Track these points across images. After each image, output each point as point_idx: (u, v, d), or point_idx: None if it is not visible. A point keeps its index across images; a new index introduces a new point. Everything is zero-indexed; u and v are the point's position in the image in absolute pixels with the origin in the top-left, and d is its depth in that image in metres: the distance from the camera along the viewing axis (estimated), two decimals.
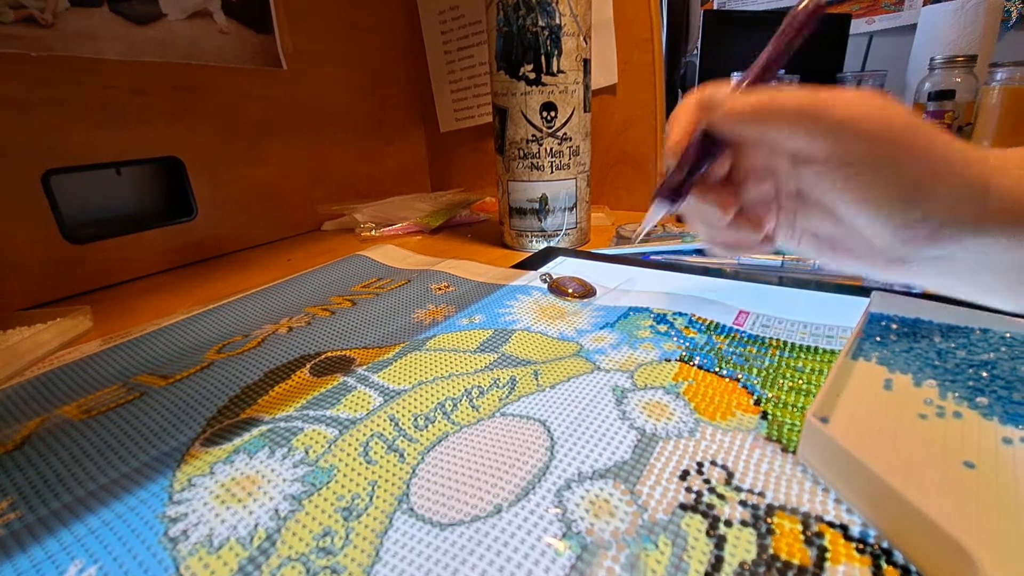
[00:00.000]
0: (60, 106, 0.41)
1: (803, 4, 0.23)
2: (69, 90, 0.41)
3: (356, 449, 0.20)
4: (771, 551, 0.15)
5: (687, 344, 0.27)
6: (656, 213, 0.26)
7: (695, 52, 1.23)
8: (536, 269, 0.41)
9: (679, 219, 0.57)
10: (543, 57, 0.42)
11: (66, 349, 0.33)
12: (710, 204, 0.25)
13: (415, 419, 0.22)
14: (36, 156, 0.40)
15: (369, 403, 0.23)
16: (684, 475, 0.18)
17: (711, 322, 0.30)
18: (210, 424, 0.23)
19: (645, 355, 0.26)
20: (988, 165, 0.20)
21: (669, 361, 0.26)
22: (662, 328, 0.29)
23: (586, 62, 0.45)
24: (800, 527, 0.16)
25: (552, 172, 0.45)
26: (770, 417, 0.21)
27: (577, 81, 0.44)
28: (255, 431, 0.22)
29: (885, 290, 0.31)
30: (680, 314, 0.31)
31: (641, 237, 0.28)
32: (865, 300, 0.29)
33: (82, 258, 0.44)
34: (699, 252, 0.43)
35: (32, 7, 0.39)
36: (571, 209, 0.47)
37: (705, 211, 0.25)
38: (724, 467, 0.18)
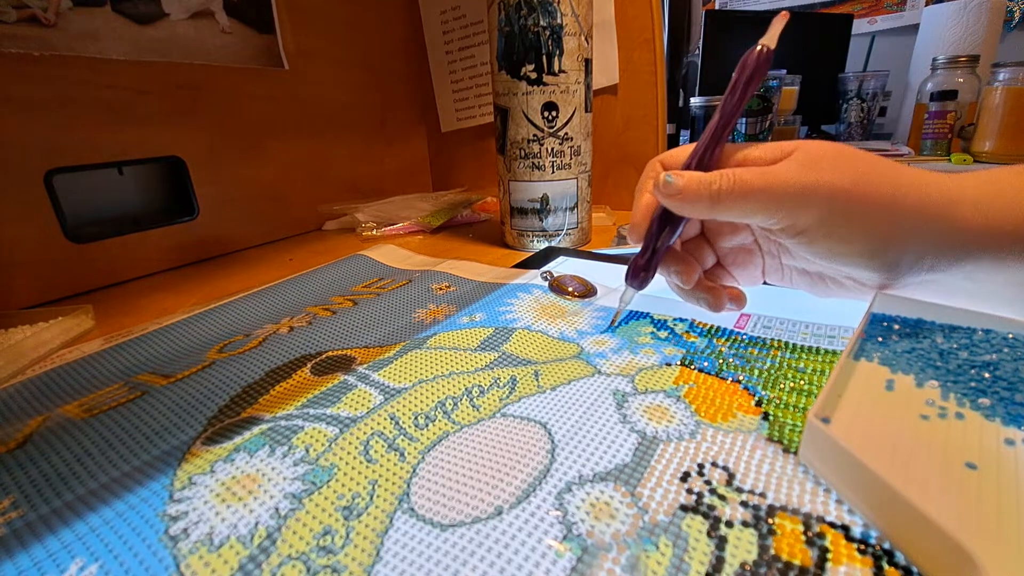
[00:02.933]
0: (62, 106, 0.41)
1: (751, 53, 0.23)
2: (72, 90, 0.42)
3: (357, 448, 0.20)
4: (772, 552, 0.15)
5: (688, 348, 0.27)
6: (628, 295, 0.28)
7: (696, 52, 1.22)
8: (537, 268, 0.41)
9: None
10: (544, 57, 0.42)
11: (68, 348, 0.33)
12: (673, 276, 0.26)
13: (416, 418, 0.22)
14: (38, 155, 0.41)
15: (370, 401, 0.23)
16: (685, 477, 0.18)
17: (712, 326, 0.30)
18: (211, 423, 0.23)
19: (646, 359, 0.26)
20: (951, 197, 0.21)
21: (670, 365, 0.26)
22: (663, 334, 0.29)
23: (587, 62, 0.44)
24: (801, 528, 0.16)
25: (553, 172, 0.45)
26: (771, 418, 0.21)
27: (578, 81, 0.44)
28: (256, 430, 0.22)
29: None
30: (681, 319, 0.31)
31: (617, 322, 0.30)
32: (867, 301, 0.29)
33: (84, 257, 0.44)
34: None
35: (35, 7, 0.39)
36: (572, 209, 0.47)
37: (671, 279, 0.27)
38: (725, 468, 0.18)
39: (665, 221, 0.25)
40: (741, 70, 0.23)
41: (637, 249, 0.27)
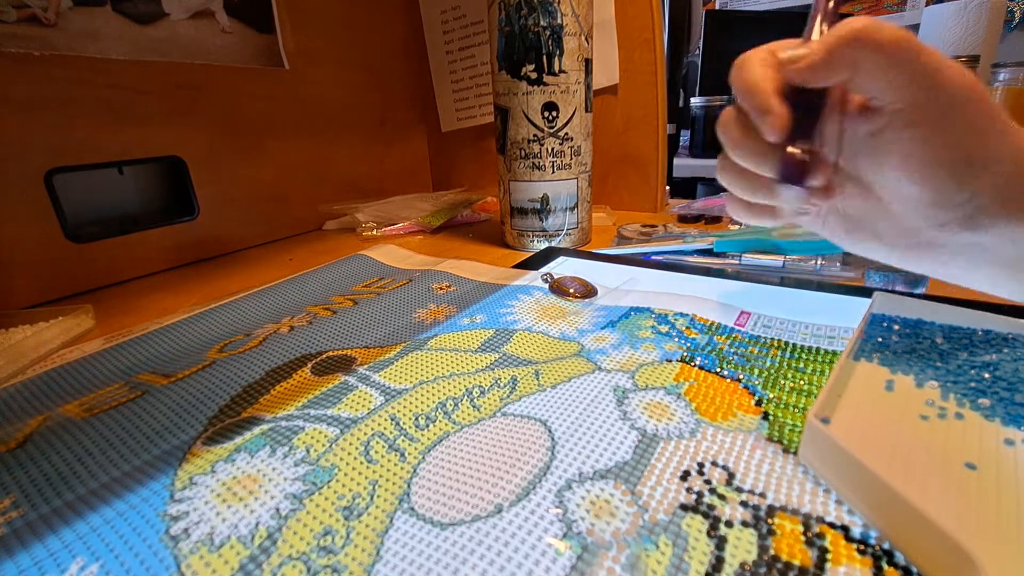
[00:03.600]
0: (63, 105, 0.41)
1: None
2: (72, 89, 0.42)
3: (357, 448, 0.20)
4: (772, 552, 0.15)
5: (688, 344, 0.27)
6: (790, 198, 0.23)
7: (697, 52, 1.22)
8: (537, 269, 0.41)
9: (682, 219, 0.57)
10: (545, 57, 0.42)
11: (68, 348, 0.33)
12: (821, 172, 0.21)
13: (416, 418, 0.22)
14: (39, 155, 0.41)
15: (370, 402, 0.23)
16: (685, 475, 0.18)
17: (712, 322, 0.30)
18: (211, 423, 0.23)
19: (646, 355, 0.26)
20: None
21: (670, 361, 0.26)
22: (663, 328, 0.29)
23: (588, 62, 0.44)
24: (801, 528, 0.16)
25: (553, 172, 0.45)
26: (771, 418, 0.21)
27: (579, 81, 0.44)
28: (256, 430, 0.22)
29: (887, 291, 0.31)
30: (681, 314, 0.31)
31: (791, 230, 0.25)
32: (866, 301, 0.29)
33: (84, 257, 0.44)
34: (700, 252, 0.43)
35: (35, 6, 0.39)
36: (572, 209, 0.47)
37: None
38: (725, 468, 0.18)
39: (803, 104, 0.21)
40: None
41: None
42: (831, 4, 0.21)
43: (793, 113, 0.20)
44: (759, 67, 0.21)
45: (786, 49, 0.20)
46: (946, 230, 0.21)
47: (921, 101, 0.19)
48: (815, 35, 0.21)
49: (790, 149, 0.21)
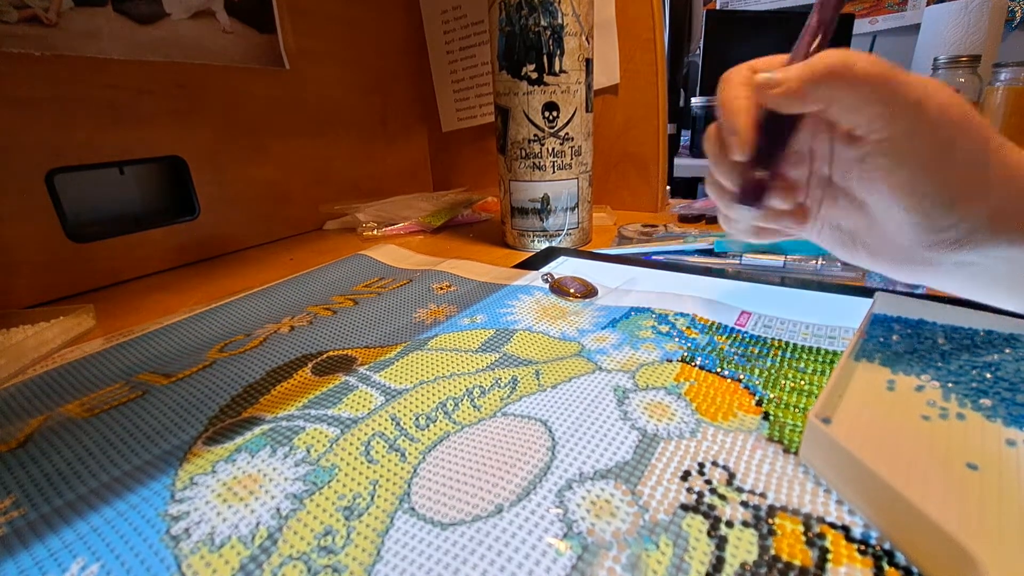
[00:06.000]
0: (64, 105, 0.41)
1: None
2: (73, 89, 0.42)
3: (357, 448, 0.20)
4: (772, 552, 0.15)
5: (689, 344, 0.27)
6: (742, 218, 0.24)
7: (697, 52, 1.22)
8: (538, 269, 0.41)
9: (682, 219, 0.57)
10: (545, 57, 0.42)
11: (69, 347, 0.33)
12: (777, 194, 0.22)
13: (416, 418, 0.22)
14: (40, 155, 0.41)
15: (371, 402, 0.23)
16: (685, 476, 0.18)
17: (713, 323, 0.30)
18: (212, 423, 0.23)
19: (647, 355, 0.26)
20: None
21: (671, 361, 0.26)
22: (664, 328, 0.29)
23: (588, 62, 0.44)
24: (802, 528, 0.16)
25: (554, 172, 0.45)
26: (772, 418, 0.21)
27: (579, 81, 0.44)
28: (257, 430, 0.22)
29: (888, 291, 0.31)
30: (682, 314, 0.31)
31: (743, 249, 0.26)
32: (867, 301, 0.29)
33: (85, 257, 0.44)
34: (700, 252, 0.43)
35: (36, 6, 0.39)
36: (573, 209, 0.47)
37: (775, 198, 0.22)
38: (725, 468, 0.18)
39: (773, 128, 0.21)
40: None
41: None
42: (818, 27, 0.21)
43: (764, 135, 0.21)
44: (737, 85, 0.21)
45: (765, 71, 0.20)
46: (937, 250, 0.21)
47: (902, 134, 0.19)
48: (802, 55, 0.21)
49: (757, 172, 0.21)
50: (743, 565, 0.15)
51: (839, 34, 1.17)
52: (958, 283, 0.22)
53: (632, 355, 0.27)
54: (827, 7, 0.21)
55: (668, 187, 0.66)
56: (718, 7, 1.51)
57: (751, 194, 0.22)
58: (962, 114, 0.19)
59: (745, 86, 0.21)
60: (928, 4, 1.18)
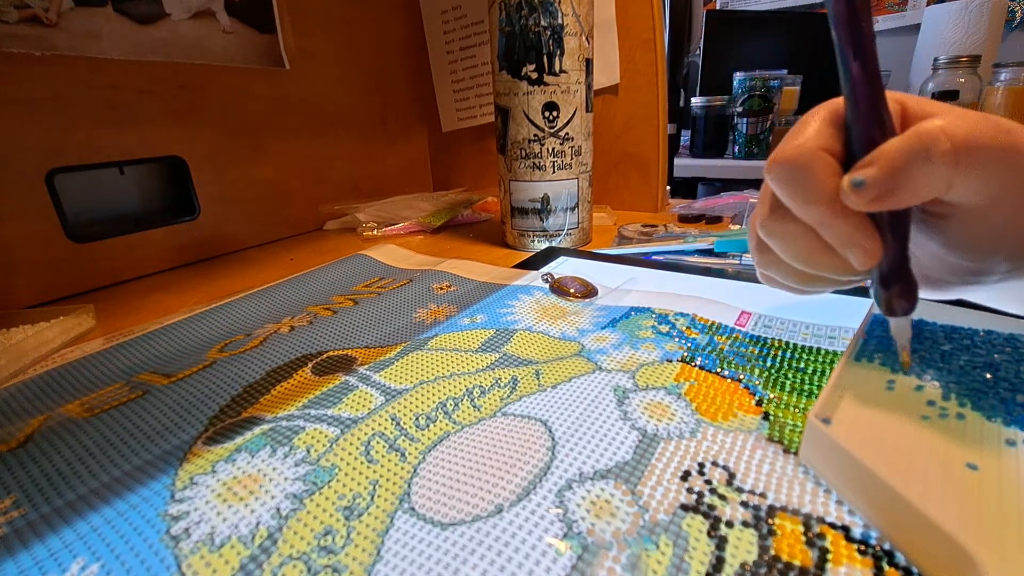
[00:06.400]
0: (64, 105, 0.41)
1: None
2: (73, 89, 0.42)
3: (357, 448, 0.20)
4: (772, 552, 0.15)
5: (689, 344, 0.27)
6: (905, 329, 0.21)
7: (697, 52, 1.22)
8: (538, 269, 0.41)
9: (682, 219, 0.57)
10: (545, 57, 0.42)
11: (69, 347, 0.33)
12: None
13: (416, 418, 0.22)
14: (40, 155, 0.41)
15: (371, 402, 0.23)
16: (685, 476, 0.18)
17: (713, 322, 0.30)
18: (212, 423, 0.23)
19: (647, 355, 0.26)
20: None
21: (671, 361, 0.26)
22: (664, 328, 0.29)
23: (588, 62, 0.44)
24: (802, 528, 0.16)
25: (554, 172, 0.45)
26: (772, 418, 0.21)
27: (579, 81, 0.44)
28: (257, 430, 0.22)
29: None
30: (682, 314, 0.31)
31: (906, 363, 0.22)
32: (868, 301, 0.29)
33: (85, 257, 0.44)
34: (700, 252, 0.43)
35: (36, 7, 0.39)
36: (573, 209, 0.47)
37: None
38: (725, 468, 0.18)
39: (897, 223, 0.17)
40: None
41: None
42: (867, 74, 0.16)
43: (893, 234, 0.17)
44: (825, 177, 0.16)
45: (852, 178, 0.16)
46: (973, 283, 0.19)
47: (1003, 192, 0.16)
48: (870, 121, 0.16)
49: (889, 293, 0.18)
50: (743, 565, 0.15)
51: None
52: (980, 299, 0.22)
53: (632, 355, 0.27)
54: (854, 32, 0.16)
55: (668, 187, 0.66)
56: (718, 7, 1.51)
57: (897, 299, 0.18)
58: None
59: (830, 176, 0.17)
60: (928, 4, 1.19)
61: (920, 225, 0.19)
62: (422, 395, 0.24)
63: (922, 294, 0.21)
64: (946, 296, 0.22)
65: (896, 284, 0.18)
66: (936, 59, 0.91)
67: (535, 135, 0.44)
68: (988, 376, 0.22)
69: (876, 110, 0.16)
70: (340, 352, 0.29)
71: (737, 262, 0.41)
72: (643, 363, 0.26)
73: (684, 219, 0.56)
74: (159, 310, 0.39)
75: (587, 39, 0.43)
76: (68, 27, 0.41)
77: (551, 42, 0.42)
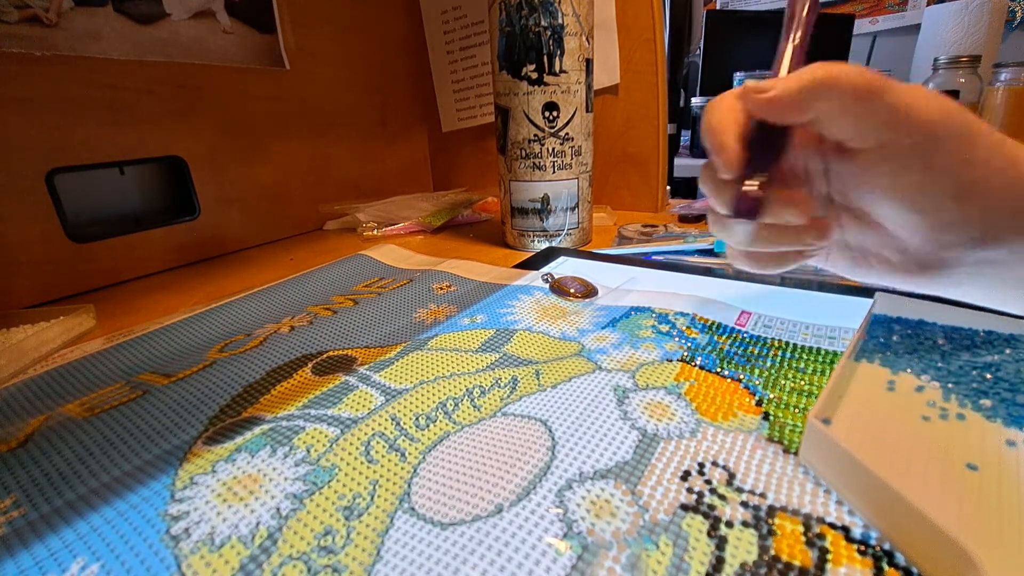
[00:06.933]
0: (64, 105, 0.41)
1: None
2: (73, 89, 0.42)
3: (357, 448, 0.20)
4: (772, 552, 0.15)
5: (689, 344, 0.27)
6: (740, 233, 0.23)
7: (697, 52, 1.22)
8: (538, 269, 0.41)
9: (682, 219, 0.57)
10: (545, 57, 0.42)
11: (69, 347, 0.33)
12: (787, 209, 0.21)
13: (416, 418, 0.22)
14: (40, 155, 0.41)
15: (371, 402, 0.23)
16: (685, 476, 0.18)
17: (713, 322, 0.30)
18: (212, 423, 0.23)
19: (647, 355, 0.26)
20: None
21: (671, 361, 0.26)
22: (664, 328, 0.29)
23: (588, 62, 0.44)
24: (801, 528, 0.16)
25: (554, 172, 0.45)
26: (772, 418, 0.21)
27: (579, 81, 0.44)
28: (257, 430, 0.22)
29: (888, 291, 0.31)
30: (682, 314, 0.31)
31: (742, 267, 0.25)
32: (868, 301, 0.29)
33: (85, 257, 0.44)
34: (700, 252, 0.43)
35: (37, 7, 0.39)
36: (573, 209, 0.47)
37: (787, 213, 0.22)
38: (725, 468, 0.18)
39: (763, 139, 0.20)
40: None
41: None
42: (799, 32, 0.21)
43: (754, 151, 0.20)
44: (722, 111, 0.21)
45: (751, 81, 0.20)
46: (957, 249, 0.20)
47: (893, 141, 0.19)
48: (783, 69, 0.21)
49: (745, 185, 0.20)
50: (743, 565, 0.15)
51: (839, 36, 1.18)
52: (979, 289, 0.22)
53: (632, 355, 0.27)
54: (801, 18, 0.21)
55: (668, 187, 0.66)
56: (718, 7, 1.51)
57: (745, 208, 0.21)
58: (951, 117, 0.19)
59: (731, 102, 0.21)
60: (928, 4, 1.19)
61: (867, 189, 0.21)
62: (422, 395, 0.24)
63: (931, 286, 0.22)
64: (957, 283, 0.22)
65: (748, 192, 0.21)
66: (936, 59, 0.91)
67: (535, 135, 0.44)
68: (988, 376, 0.22)
69: (792, 57, 0.21)
70: (340, 352, 0.29)
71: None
72: (643, 363, 0.26)
73: (684, 219, 0.56)
74: (159, 310, 0.39)
75: (587, 39, 0.43)
76: (68, 27, 0.41)
77: (551, 42, 0.42)
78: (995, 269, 0.21)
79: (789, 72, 0.21)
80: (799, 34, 0.21)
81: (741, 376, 0.24)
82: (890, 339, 0.26)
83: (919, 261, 0.22)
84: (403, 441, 0.21)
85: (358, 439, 0.21)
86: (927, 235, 0.21)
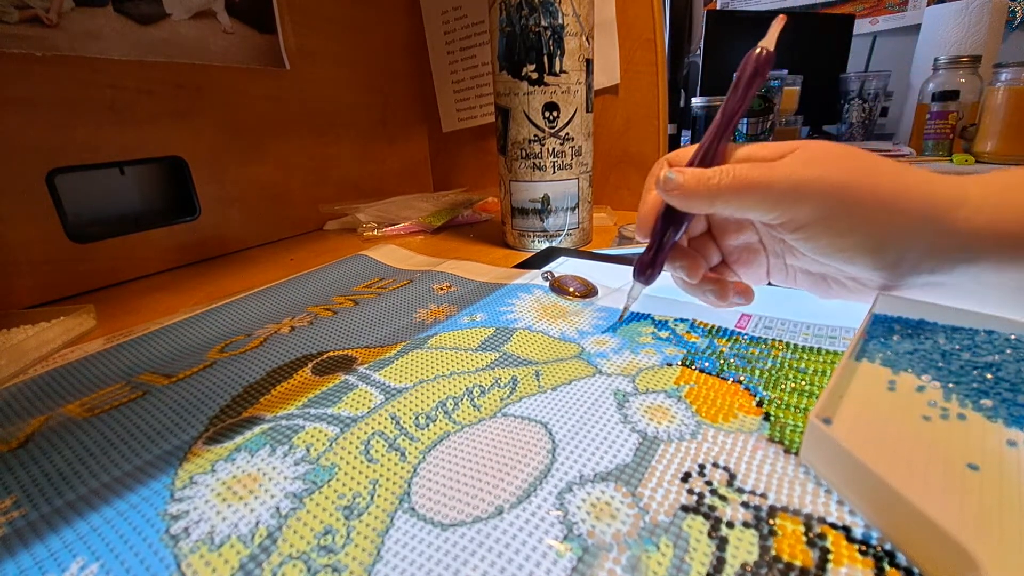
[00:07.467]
0: (65, 106, 0.41)
1: (751, 55, 0.23)
2: (74, 90, 0.42)
3: (357, 447, 0.20)
4: (773, 553, 0.15)
5: (689, 348, 0.27)
6: (636, 291, 0.28)
7: (698, 52, 1.22)
8: (538, 269, 0.41)
9: None
10: (545, 57, 0.42)
11: (70, 347, 0.33)
12: (678, 270, 0.26)
13: (416, 418, 0.22)
14: (40, 155, 0.41)
15: (370, 401, 0.23)
16: (686, 477, 0.18)
17: (713, 326, 0.29)
18: (212, 423, 0.23)
19: (647, 359, 0.26)
20: (954, 199, 0.21)
21: (671, 365, 0.26)
22: (663, 334, 0.29)
23: (588, 62, 0.44)
24: (802, 529, 0.16)
25: (554, 172, 0.45)
26: (772, 418, 0.21)
27: (579, 81, 0.44)
28: (257, 429, 0.22)
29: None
30: (682, 319, 0.31)
31: (624, 318, 0.30)
32: (868, 302, 0.29)
33: (86, 257, 0.44)
34: None
35: (37, 7, 0.39)
36: (573, 209, 0.47)
37: (677, 274, 0.27)
38: (726, 469, 0.18)
39: (670, 217, 0.25)
40: (742, 71, 0.24)
41: (642, 248, 0.27)
42: (716, 133, 0.24)
43: (664, 223, 0.26)
44: (651, 178, 0.25)
45: (668, 170, 0.23)
46: (899, 280, 0.22)
47: (792, 220, 0.22)
48: (697, 158, 0.24)
49: (649, 255, 0.26)
50: (744, 566, 0.15)
51: (839, 36, 1.18)
52: (940, 298, 0.24)
53: (632, 359, 0.27)
54: (729, 108, 0.24)
55: None
56: (718, 7, 1.51)
57: (637, 270, 0.27)
58: (838, 184, 0.21)
59: (655, 177, 0.25)
60: (928, 4, 1.18)
61: (795, 250, 0.25)
62: (422, 394, 0.24)
63: (901, 294, 0.24)
64: (919, 294, 0.24)
65: (646, 260, 0.27)
66: (936, 59, 0.91)
67: (535, 135, 0.44)
68: (989, 376, 0.22)
69: (708, 148, 0.24)
70: (340, 352, 0.29)
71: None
72: (643, 367, 0.26)
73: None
74: (159, 310, 0.39)
75: (587, 39, 0.43)
76: (69, 27, 0.41)
77: (551, 42, 0.42)
78: (944, 289, 0.23)
79: (703, 159, 0.24)
80: (726, 112, 0.24)
81: (742, 378, 0.24)
82: (891, 339, 0.26)
83: (874, 285, 0.24)
84: (403, 440, 0.21)
85: (358, 438, 0.21)
86: (869, 273, 0.23)
